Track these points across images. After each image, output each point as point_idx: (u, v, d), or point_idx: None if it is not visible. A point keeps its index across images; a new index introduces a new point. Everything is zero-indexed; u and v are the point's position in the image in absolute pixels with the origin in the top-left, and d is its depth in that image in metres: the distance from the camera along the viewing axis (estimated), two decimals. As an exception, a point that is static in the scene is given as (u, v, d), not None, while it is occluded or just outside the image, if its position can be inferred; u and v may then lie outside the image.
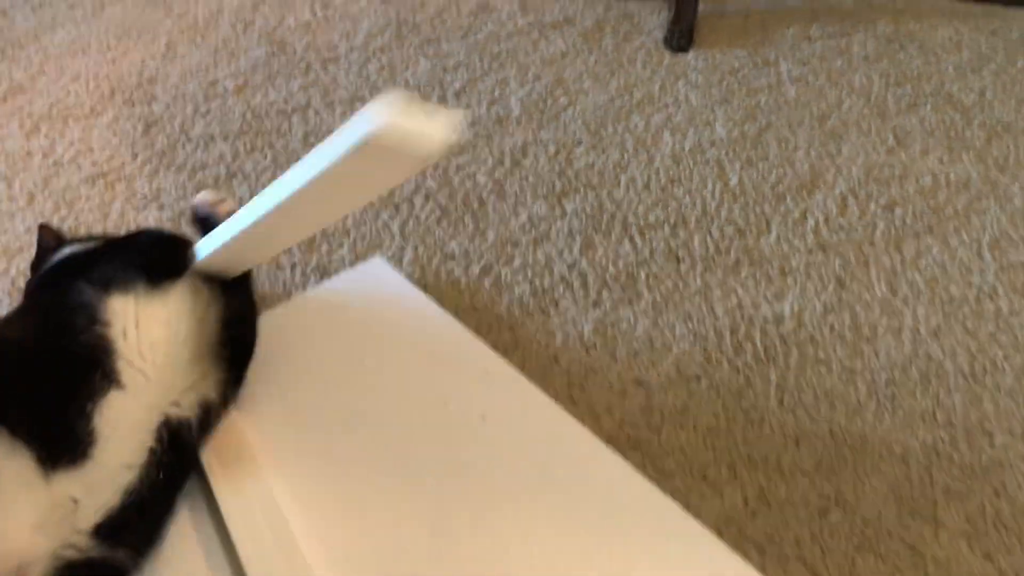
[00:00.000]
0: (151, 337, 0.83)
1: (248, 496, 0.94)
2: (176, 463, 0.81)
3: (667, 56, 1.84)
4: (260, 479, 0.96)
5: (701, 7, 1.94)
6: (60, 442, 0.71)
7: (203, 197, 1.11)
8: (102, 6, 2.05)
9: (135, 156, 1.51)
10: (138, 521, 0.77)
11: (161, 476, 0.78)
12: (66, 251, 1.01)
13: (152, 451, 0.78)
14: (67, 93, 1.70)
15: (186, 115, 1.63)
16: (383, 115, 0.68)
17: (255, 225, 0.88)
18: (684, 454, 1.05)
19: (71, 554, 0.70)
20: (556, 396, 1.07)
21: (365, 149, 0.70)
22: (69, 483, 0.71)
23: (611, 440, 1.02)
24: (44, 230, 1.09)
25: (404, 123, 0.67)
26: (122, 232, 1.29)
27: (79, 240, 1.07)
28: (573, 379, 1.12)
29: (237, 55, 1.83)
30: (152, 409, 0.80)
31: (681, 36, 1.87)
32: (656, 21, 1.97)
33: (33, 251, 1.09)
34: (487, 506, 0.95)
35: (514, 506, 0.95)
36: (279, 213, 0.86)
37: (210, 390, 0.89)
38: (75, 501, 0.71)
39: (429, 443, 1.02)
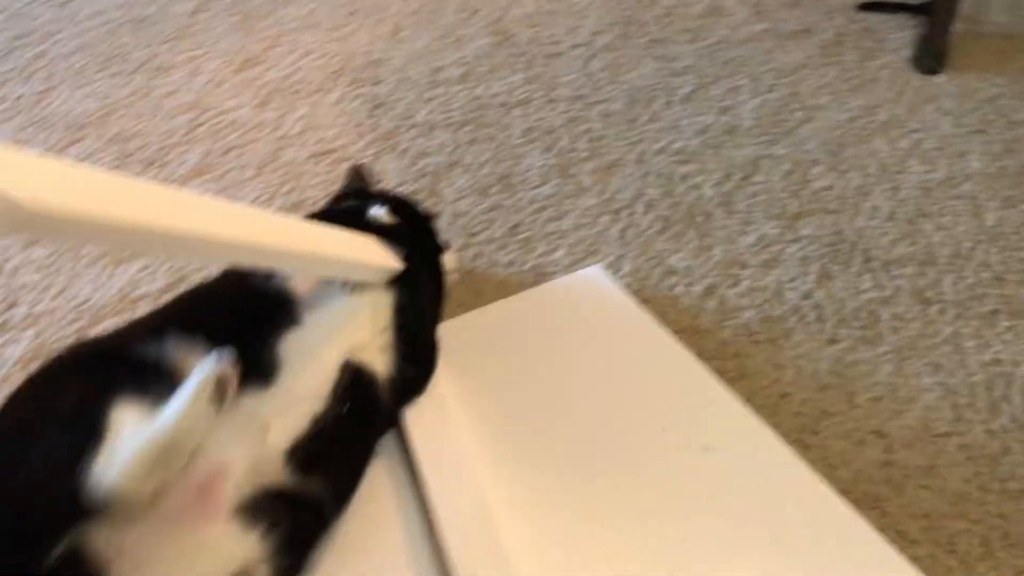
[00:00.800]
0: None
1: (455, 483, 0.90)
2: (362, 405, 0.85)
3: (915, 77, 1.69)
4: (468, 468, 0.92)
5: (956, 26, 1.77)
6: (251, 366, 0.75)
7: None
8: (334, -14, 2.09)
9: (360, 137, 1.51)
10: (328, 453, 0.79)
11: (345, 412, 0.81)
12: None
13: (335, 387, 0.81)
14: (298, 68, 1.72)
15: (410, 100, 1.62)
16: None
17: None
18: (929, 520, 0.93)
19: (267, 479, 0.73)
20: (785, 437, 0.98)
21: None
22: (260, 403, 0.76)
23: (845, 494, 0.92)
24: (356, 170, 1.17)
25: None
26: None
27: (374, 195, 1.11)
28: (805, 421, 1.03)
29: (461, 43, 1.81)
30: (330, 349, 0.83)
31: (932, 57, 1.72)
32: (903, 38, 1.82)
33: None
34: (705, 545, 0.88)
35: (735, 551, 0.87)
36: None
37: (384, 357, 0.90)
38: (267, 422, 0.75)
39: (643, 466, 0.96)
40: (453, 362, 1.05)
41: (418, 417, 0.97)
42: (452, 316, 1.13)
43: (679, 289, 1.20)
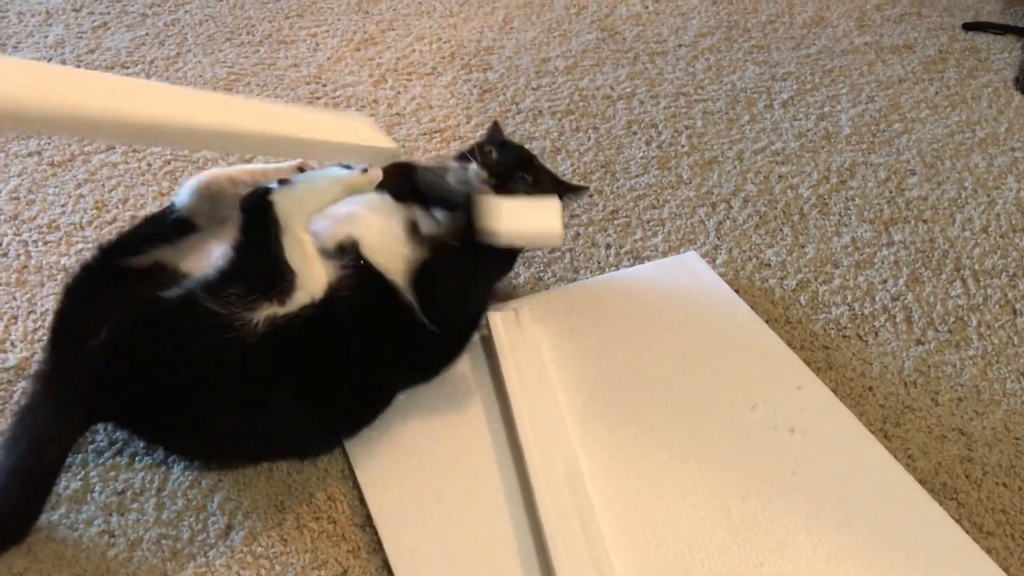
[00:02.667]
0: None
1: (549, 445, 0.96)
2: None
3: (1017, 98, 1.71)
4: (562, 431, 0.98)
5: (1063, 50, 1.78)
6: None
7: None
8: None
9: (469, 119, 1.58)
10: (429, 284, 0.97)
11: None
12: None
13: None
14: (412, 51, 1.81)
15: (518, 87, 1.69)
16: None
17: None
18: (1006, 516, 0.97)
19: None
20: (868, 427, 1.02)
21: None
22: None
23: (924, 483, 0.96)
24: (496, 124, 1.27)
25: None
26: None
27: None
28: (888, 413, 1.07)
29: (569, 37, 1.87)
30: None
31: (1036, 78, 1.73)
32: (1007, 59, 1.83)
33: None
34: (786, 519, 0.92)
35: (815, 527, 0.91)
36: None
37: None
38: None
39: (730, 440, 1.01)
40: (552, 329, 1.12)
41: (518, 378, 1.03)
42: (551, 288, 1.20)
43: (772, 282, 1.24)
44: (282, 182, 0.91)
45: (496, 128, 1.26)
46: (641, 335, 1.12)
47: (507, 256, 1.12)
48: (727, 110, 1.63)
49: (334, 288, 0.92)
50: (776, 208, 1.38)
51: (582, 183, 1.41)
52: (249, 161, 1.24)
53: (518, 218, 0.98)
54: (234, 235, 0.89)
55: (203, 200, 0.97)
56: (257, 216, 0.89)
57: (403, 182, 1.05)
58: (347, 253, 0.96)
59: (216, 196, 0.97)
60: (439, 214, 1.03)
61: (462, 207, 0.99)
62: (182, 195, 0.98)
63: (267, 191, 0.90)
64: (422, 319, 0.98)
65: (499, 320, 1.11)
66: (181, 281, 0.89)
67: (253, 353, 0.87)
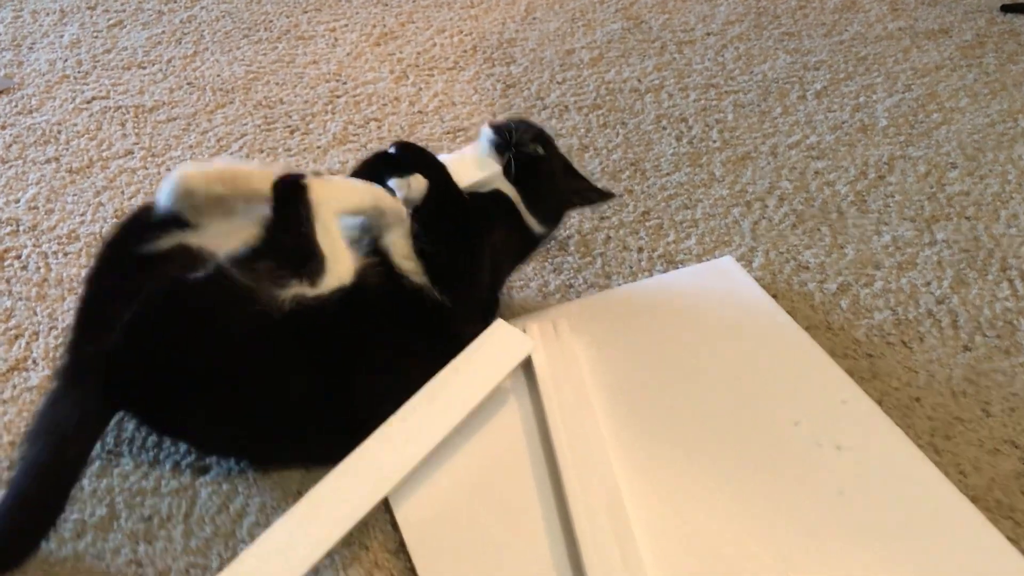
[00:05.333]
0: None
1: (590, 475, 0.93)
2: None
3: (1060, 83, 1.64)
4: (602, 459, 0.95)
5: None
6: None
7: None
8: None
9: (493, 115, 1.54)
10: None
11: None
12: None
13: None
14: (433, 44, 1.77)
15: (543, 81, 1.65)
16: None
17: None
18: (1065, 537, 0.93)
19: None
20: (916, 440, 0.98)
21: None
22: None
23: (977, 501, 0.92)
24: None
25: None
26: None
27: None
28: (937, 425, 1.03)
29: (593, 27, 1.83)
30: None
31: (1079, 62, 1.67)
32: (1048, 42, 1.77)
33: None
34: (835, 543, 0.89)
35: (864, 550, 0.88)
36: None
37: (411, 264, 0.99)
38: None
39: (772, 457, 0.97)
40: (587, 340, 1.08)
41: (557, 395, 1.00)
42: (583, 295, 1.16)
43: (811, 285, 1.20)
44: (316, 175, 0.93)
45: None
46: (678, 346, 1.09)
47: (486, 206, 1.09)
48: (759, 102, 1.58)
49: (360, 276, 0.92)
50: (813, 206, 1.34)
51: (610, 185, 1.38)
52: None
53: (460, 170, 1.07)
54: (262, 217, 0.89)
55: (183, 198, 0.91)
56: (290, 197, 0.89)
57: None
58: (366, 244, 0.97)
59: (192, 196, 0.91)
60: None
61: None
62: (160, 197, 0.93)
63: (302, 176, 0.90)
64: (433, 295, 0.98)
65: (537, 331, 1.07)
66: (208, 261, 0.87)
67: (278, 331, 0.86)
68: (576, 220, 1.30)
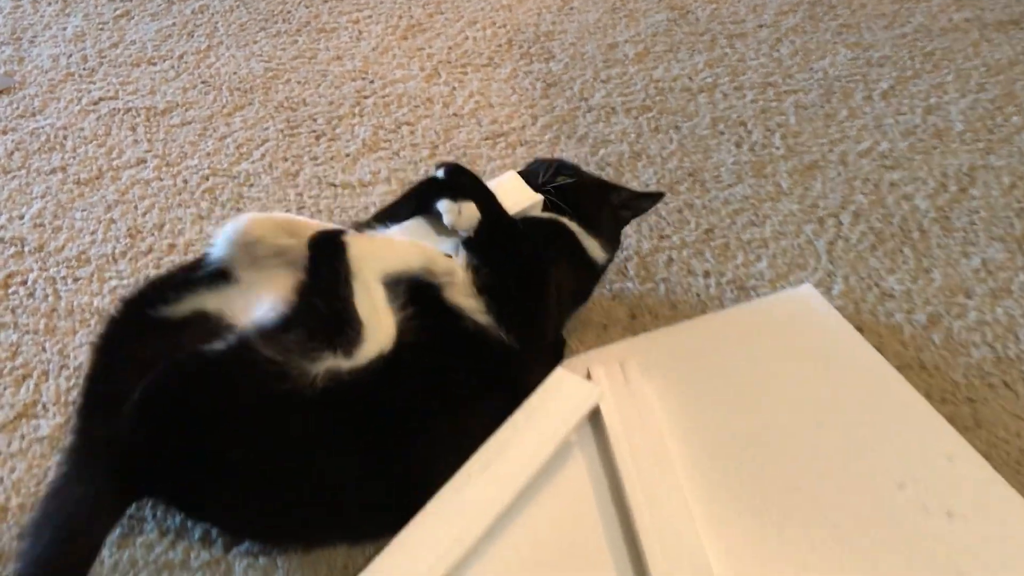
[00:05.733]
0: None
1: (666, 526, 0.83)
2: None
3: None
4: (688, 527, 0.84)
5: None
6: None
7: None
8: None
9: (535, 119, 1.42)
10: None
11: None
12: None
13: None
14: (465, 38, 1.64)
15: (586, 79, 1.52)
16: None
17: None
18: None
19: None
20: (1033, 502, 0.87)
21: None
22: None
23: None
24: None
25: None
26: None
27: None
28: (1055, 485, 0.92)
29: (636, 18, 1.70)
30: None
31: None
32: None
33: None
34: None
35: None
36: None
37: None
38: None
39: (880, 530, 0.86)
40: (659, 384, 0.97)
41: (631, 451, 0.89)
42: (647, 330, 1.05)
43: (899, 316, 1.09)
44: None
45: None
46: (760, 391, 0.98)
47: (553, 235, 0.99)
48: (822, 103, 1.46)
49: (399, 336, 0.81)
50: (892, 223, 1.22)
51: (668, 199, 1.26)
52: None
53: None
54: (294, 279, 0.79)
55: (243, 249, 0.84)
56: (329, 256, 0.79)
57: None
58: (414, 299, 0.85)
59: (255, 245, 0.84)
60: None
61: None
62: (219, 246, 0.84)
63: (342, 232, 0.81)
64: (499, 335, 0.87)
65: (603, 374, 0.96)
66: (229, 331, 0.77)
67: (311, 411, 0.75)
68: (633, 240, 1.18)
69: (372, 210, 1.24)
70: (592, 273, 1.03)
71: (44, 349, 1.05)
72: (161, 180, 1.29)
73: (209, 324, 0.81)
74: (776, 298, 1.10)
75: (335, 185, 1.28)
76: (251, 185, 1.28)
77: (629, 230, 1.19)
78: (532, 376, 0.91)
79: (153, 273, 1.15)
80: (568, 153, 1.35)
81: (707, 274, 1.15)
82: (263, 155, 1.34)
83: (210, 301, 0.83)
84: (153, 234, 1.20)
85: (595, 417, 0.94)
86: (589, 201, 1.04)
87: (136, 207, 1.25)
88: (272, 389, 0.74)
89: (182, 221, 1.22)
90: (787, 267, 1.16)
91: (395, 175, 1.30)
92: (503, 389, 0.89)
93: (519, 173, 1.02)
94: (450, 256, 0.89)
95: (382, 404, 0.80)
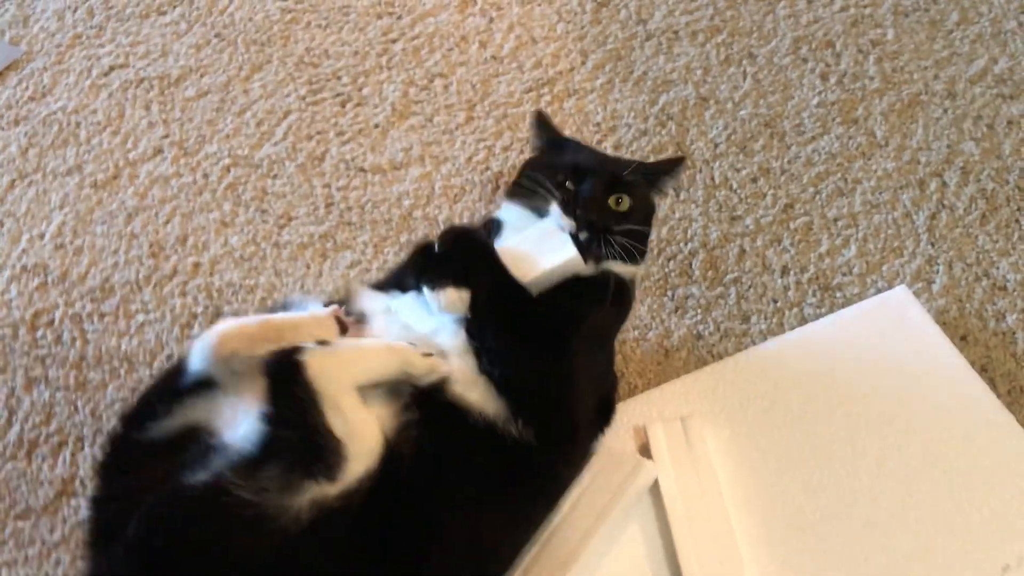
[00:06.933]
0: None
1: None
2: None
3: None
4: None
5: None
6: None
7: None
8: None
9: (584, 56, 1.24)
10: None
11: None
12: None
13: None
14: (502, -56, 1.42)
15: (643, -5, 1.31)
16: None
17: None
18: None
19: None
20: None
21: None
22: None
23: None
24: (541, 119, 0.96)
25: None
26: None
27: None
28: None
29: None
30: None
31: None
32: None
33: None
34: None
35: None
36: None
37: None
38: None
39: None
40: (724, 435, 0.88)
41: (689, 523, 0.81)
42: (715, 351, 0.94)
43: (1011, 319, 0.93)
44: (322, 343, 0.73)
45: (543, 124, 0.95)
46: (842, 440, 0.86)
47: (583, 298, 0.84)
48: (927, 5, 1.22)
49: (392, 443, 0.73)
50: (1007, 183, 1.03)
51: (742, 161, 1.09)
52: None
53: (526, 260, 0.81)
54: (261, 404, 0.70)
55: (220, 363, 0.76)
56: (284, 382, 0.71)
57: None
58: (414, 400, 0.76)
59: (230, 359, 0.76)
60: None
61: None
62: (194, 361, 0.77)
63: (295, 351, 0.71)
64: (514, 432, 0.76)
65: (662, 437, 0.87)
66: (211, 454, 0.71)
67: (299, 548, 0.69)
68: (699, 226, 1.04)
69: (406, 203, 1.12)
70: (631, 295, 0.89)
71: (76, 409, 1.01)
72: (180, 176, 1.19)
73: (197, 440, 0.74)
74: (863, 309, 0.96)
75: (364, 170, 1.16)
76: (274, 176, 1.17)
77: (695, 212, 1.05)
78: (568, 469, 0.82)
79: (178, 304, 1.08)
80: (623, 103, 1.17)
81: (785, 270, 1.00)
82: (285, 134, 1.22)
83: (198, 411, 0.77)
84: (176, 250, 1.12)
85: (654, 488, 0.85)
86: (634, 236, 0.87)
87: (156, 215, 1.16)
88: (252, 532, 0.68)
89: (205, 231, 1.14)
90: (880, 254, 1.01)
91: (428, 152, 1.17)
92: (529, 486, 0.80)
93: (547, 171, 0.86)
94: (430, 354, 0.77)
95: (380, 524, 0.73)
